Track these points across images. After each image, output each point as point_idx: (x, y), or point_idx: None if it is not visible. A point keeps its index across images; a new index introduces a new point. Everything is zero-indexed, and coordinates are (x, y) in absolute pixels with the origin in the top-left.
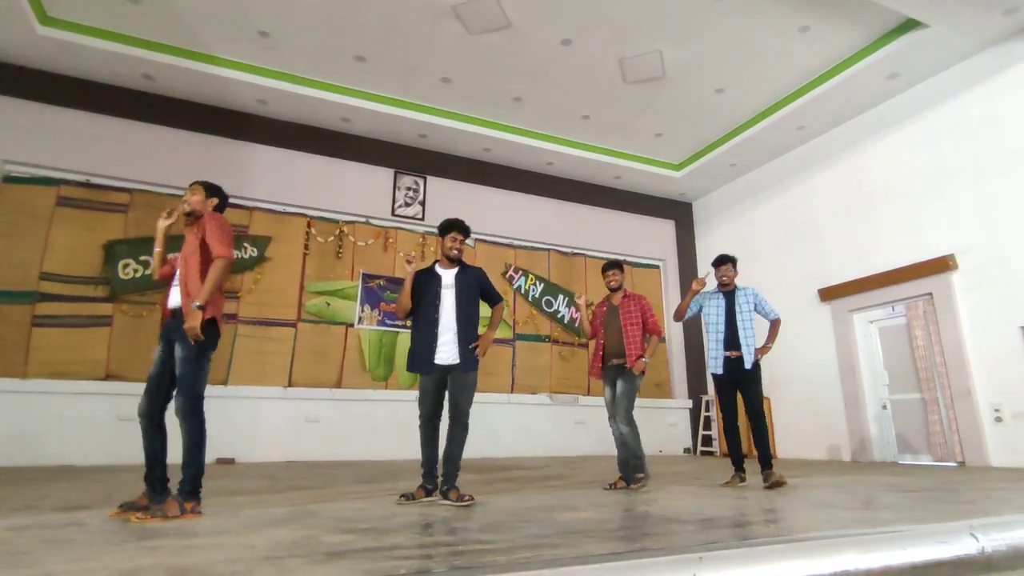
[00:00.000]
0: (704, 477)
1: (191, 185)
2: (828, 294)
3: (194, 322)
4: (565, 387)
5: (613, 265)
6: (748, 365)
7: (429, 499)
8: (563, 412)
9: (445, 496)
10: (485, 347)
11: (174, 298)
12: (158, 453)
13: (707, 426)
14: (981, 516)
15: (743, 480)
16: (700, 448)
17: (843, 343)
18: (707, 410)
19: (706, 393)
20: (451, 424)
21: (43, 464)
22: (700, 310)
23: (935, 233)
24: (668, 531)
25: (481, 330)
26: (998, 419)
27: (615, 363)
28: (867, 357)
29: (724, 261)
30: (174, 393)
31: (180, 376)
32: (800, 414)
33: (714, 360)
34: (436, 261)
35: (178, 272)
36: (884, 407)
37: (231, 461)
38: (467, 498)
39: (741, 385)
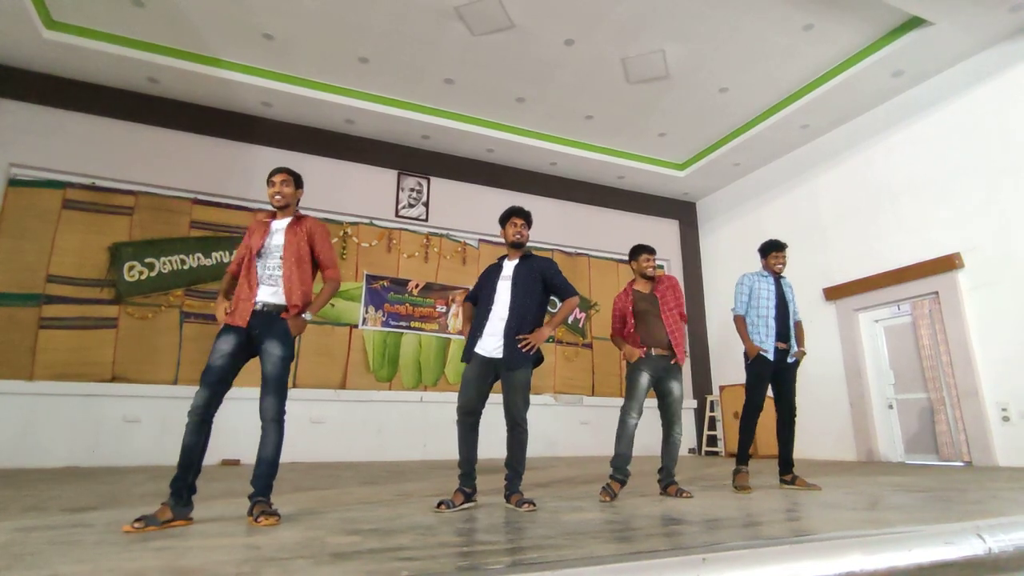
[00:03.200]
0: (709, 478)
1: (279, 173)
2: (833, 293)
3: (299, 332)
4: (569, 387)
5: (651, 250)
6: (791, 359)
7: (469, 504)
8: (568, 412)
9: (507, 500)
10: (536, 340)
11: (267, 294)
12: (198, 454)
13: (712, 426)
14: (988, 517)
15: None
16: (705, 448)
17: (848, 342)
18: (712, 410)
19: (711, 393)
20: (508, 429)
21: (50, 466)
22: (750, 294)
23: (941, 231)
24: (673, 532)
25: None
26: (1005, 419)
27: (659, 353)
28: (873, 356)
29: (781, 247)
30: (266, 395)
31: (275, 377)
32: (805, 414)
33: (764, 342)
34: (504, 256)
35: (280, 268)
36: (890, 406)
37: (236, 462)
38: (527, 504)
39: (782, 381)
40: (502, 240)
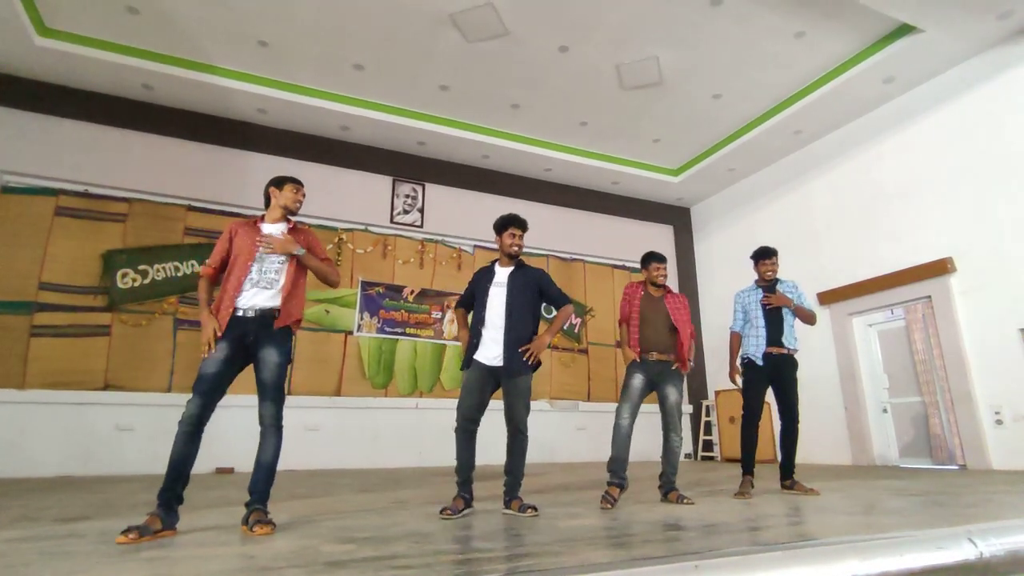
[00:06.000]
0: (706, 483)
1: (300, 183)
2: (827, 297)
3: (288, 247)
4: (565, 393)
5: (662, 258)
6: (794, 365)
7: (468, 510)
8: (563, 418)
9: (507, 506)
10: (538, 349)
11: (261, 298)
12: (189, 465)
13: (707, 431)
14: (982, 520)
15: (753, 486)
16: (701, 453)
17: (842, 346)
18: (707, 415)
19: (707, 398)
20: (508, 435)
21: (41, 475)
22: (744, 312)
23: (933, 236)
24: (669, 538)
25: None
26: (998, 422)
27: (658, 358)
28: (867, 360)
29: (769, 255)
30: (265, 401)
31: (274, 383)
32: (800, 418)
33: (754, 349)
34: (495, 260)
35: (280, 273)
36: (884, 410)
37: (230, 470)
38: (530, 509)
39: (779, 383)
40: (496, 246)
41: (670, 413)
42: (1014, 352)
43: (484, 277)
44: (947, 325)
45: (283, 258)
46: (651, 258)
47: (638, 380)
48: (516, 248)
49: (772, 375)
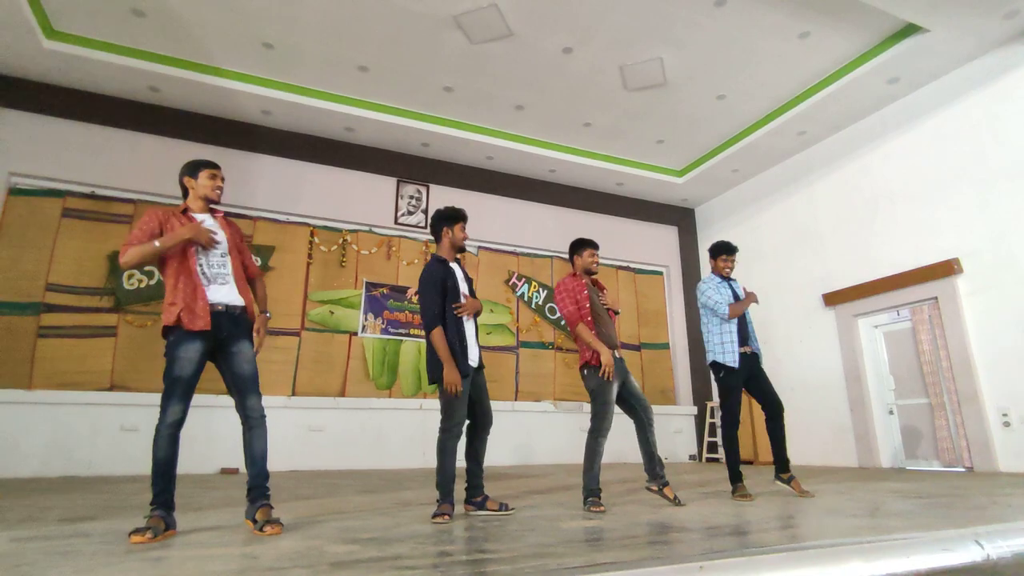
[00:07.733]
0: (709, 484)
1: (219, 167)
2: (833, 299)
3: (265, 329)
4: (569, 394)
5: (596, 244)
6: (762, 361)
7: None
8: (567, 420)
9: (482, 507)
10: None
11: (222, 294)
12: (176, 466)
13: (712, 432)
14: (988, 523)
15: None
16: (706, 455)
17: (848, 348)
18: (712, 416)
19: (711, 399)
20: (483, 430)
21: (47, 475)
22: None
23: (939, 237)
24: (673, 540)
25: None
26: (1006, 424)
27: (619, 355)
28: (872, 362)
29: (733, 251)
30: (251, 394)
31: (254, 375)
32: (805, 420)
33: (732, 354)
34: (439, 257)
35: (227, 266)
36: (890, 412)
37: (235, 471)
38: (509, 506)
39: (756, 381)
40: (502, 247)
41: (641, 398)
42: (1021, 354)
43: (450, 277)
44: (954, 326)
45: (224, 249)
46: (586, 244)
47: (614, 394)
48: (466, 240)
49: (747, 374)
